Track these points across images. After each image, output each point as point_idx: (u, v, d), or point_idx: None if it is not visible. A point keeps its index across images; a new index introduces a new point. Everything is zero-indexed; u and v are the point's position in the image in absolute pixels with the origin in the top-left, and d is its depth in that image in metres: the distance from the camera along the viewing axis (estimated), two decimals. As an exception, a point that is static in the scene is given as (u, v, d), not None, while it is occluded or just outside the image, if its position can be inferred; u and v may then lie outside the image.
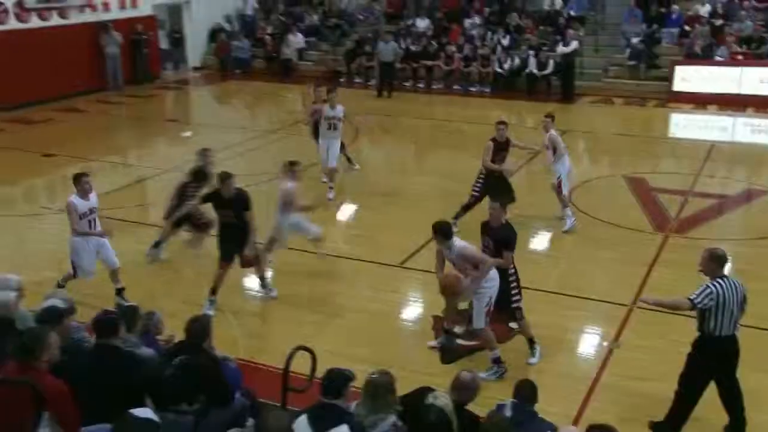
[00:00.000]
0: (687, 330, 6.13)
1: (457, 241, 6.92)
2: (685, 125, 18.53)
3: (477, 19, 22.30)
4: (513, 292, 7.12)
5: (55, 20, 19.53)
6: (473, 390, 4.90)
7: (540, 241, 10.60)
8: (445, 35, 21.88)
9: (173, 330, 6.17)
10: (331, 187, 11.97)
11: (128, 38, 21.40)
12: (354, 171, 13.26)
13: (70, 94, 19.45)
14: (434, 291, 7.30)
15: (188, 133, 13.15)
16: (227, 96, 22.55)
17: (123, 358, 5.06)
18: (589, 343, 7.91)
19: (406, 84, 21.46)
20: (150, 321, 6.08)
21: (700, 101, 18.92)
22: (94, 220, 8.29)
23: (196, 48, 24.83)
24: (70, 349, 5.24)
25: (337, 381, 4.60)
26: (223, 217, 8.26)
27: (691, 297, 5.71)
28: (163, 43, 23.93)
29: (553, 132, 10.62)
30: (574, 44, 19.57)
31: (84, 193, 8.17)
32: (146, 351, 5.57)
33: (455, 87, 21.21)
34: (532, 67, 20.39)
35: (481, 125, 15.38)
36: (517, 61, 20.64)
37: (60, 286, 8.17)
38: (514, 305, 7.15)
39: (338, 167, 12.40)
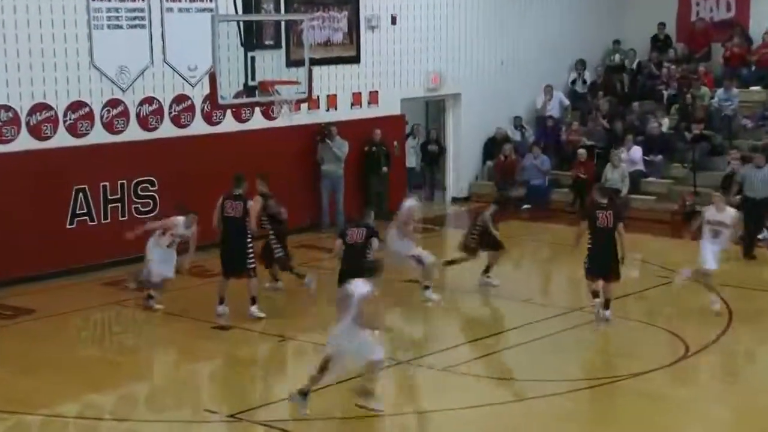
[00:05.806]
0: None
1: None
2: None
3: None
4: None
5: (257, 121, 18.90)
6: None
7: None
8: None
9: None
10: None
11: (359, 150, 20.20)
12: None
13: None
14: None
15: (436, 297, 13.68)
16: (507, 245, 20.09)
17: None
18: None
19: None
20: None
21: None
22: (177, 242, 14.67)
23: (460, 168, 23.56)
24: None
25: None
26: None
27: None
28: (410, 160, 23.01)
29: None
30: None
31: (189, 225, 14.35)
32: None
33: None
34: None
35: None
36: None
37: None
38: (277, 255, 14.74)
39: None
